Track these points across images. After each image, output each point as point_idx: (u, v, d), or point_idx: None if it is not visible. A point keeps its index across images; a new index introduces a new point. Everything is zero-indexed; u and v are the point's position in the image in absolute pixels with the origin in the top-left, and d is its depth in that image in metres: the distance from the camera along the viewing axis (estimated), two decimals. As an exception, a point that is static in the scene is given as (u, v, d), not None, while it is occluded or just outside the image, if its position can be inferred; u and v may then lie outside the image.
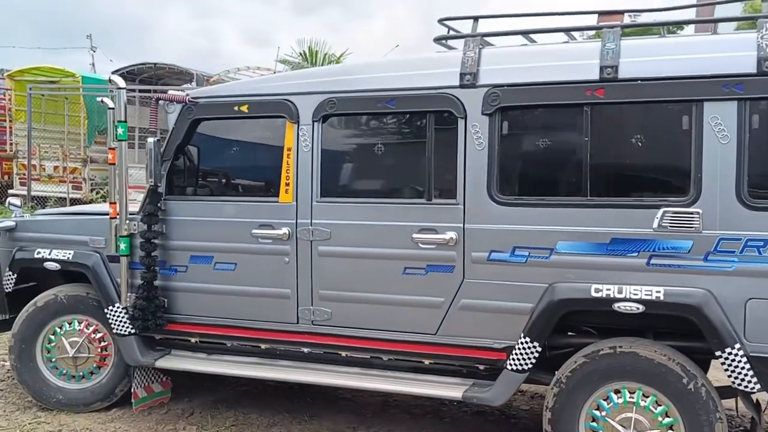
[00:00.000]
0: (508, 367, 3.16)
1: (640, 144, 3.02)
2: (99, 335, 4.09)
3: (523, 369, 3.13)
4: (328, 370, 3.59)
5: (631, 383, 2.96)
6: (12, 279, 4.22)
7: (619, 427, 2.94)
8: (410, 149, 3.48)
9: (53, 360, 4.13)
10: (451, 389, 3.29)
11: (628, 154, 3.08)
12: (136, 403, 3.98)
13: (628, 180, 3.08)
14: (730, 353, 2.80)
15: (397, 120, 3.48)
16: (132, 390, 3.94)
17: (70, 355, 4.08)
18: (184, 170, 3.80)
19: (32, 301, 4.11)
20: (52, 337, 4.13)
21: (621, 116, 3.09)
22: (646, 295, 2.89)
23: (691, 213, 2.86)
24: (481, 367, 3.30)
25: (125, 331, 3.91)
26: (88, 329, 4.09)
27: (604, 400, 3.00)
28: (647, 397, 2.94)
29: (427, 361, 3.40)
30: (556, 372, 3.12)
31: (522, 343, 3.12)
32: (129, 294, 3.86)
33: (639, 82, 2.92)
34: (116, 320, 3.91)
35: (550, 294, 3.04)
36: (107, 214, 3.98)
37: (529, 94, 3.11)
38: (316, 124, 3.49)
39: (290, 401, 4.32)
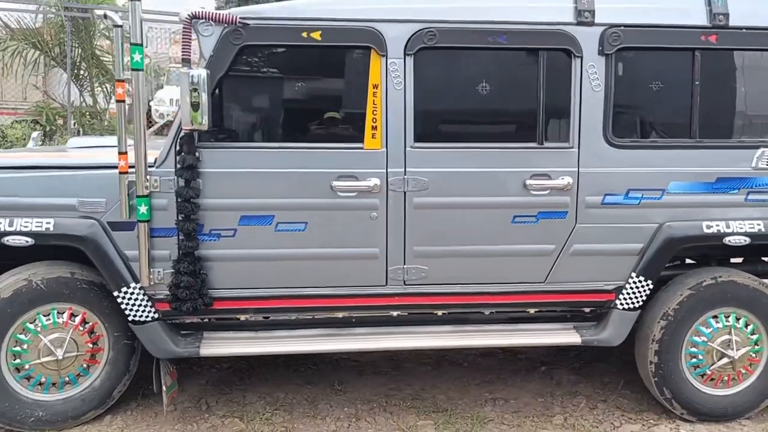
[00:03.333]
0: (619, 306, 3.65)
1: (743, 89, 3.66)
2: (87, 326, 3.52)
3: (634, 307, 3.65)
4: (416, 333, 3.68)
5: (728, 308, 3.68)
6: (-65, 265, 3.36)
7: (720, 349, 3.68)
8: (519, 89, 3.60)
9: (26, 367, 3.44)
10: (566, 335, 3.67)
11: (732, 98, 3.70)
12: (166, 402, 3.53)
13: (732, 123, 3.70)
14: None
15: (506, 56, 3.55)
16: (162, 388, 3.48)
17: (59, 357, 3.43)
18: (227, 111, 3.38)
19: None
20: (22, 336, 3.42)
21: (728, 62, 3.66)
22: (749, 228, 3.60)
23: (783, 152, 3.63)
24: (587, 309, 3.75)
25: (147, 316, 3.43)
26: (74, 320, 3.49)
27: (703, 326, 3.71)
28: (739, 319, 3.72)
29: (532, 310, 3.73)
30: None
31: (634, 281, 3.62)
32: (154, 270, 3.38)
33: (744, 30, 3.54)
34: (133, 305, 3.41)
35: (666, 232, 3.56)
36: (100, 167, 3.41)
37: (647, 35, 3.50)
38: (409, 57, 3.42)
39: (296, 372, 4.26)
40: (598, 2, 3.47)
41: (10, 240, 3.33)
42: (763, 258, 4.00)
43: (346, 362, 4.50)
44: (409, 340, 3.65)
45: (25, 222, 3.35)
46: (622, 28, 3.47)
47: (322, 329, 3.68)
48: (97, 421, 3.63)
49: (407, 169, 3.46)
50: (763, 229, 3.60)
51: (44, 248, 3.47)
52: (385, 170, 3.45)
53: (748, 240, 3.61)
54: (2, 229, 3.33)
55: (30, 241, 3.35)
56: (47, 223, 3.35)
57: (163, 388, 3.49)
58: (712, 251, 3.91)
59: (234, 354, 3.57)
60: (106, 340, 3.57)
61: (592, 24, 3.47)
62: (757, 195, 3.63)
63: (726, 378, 3.72)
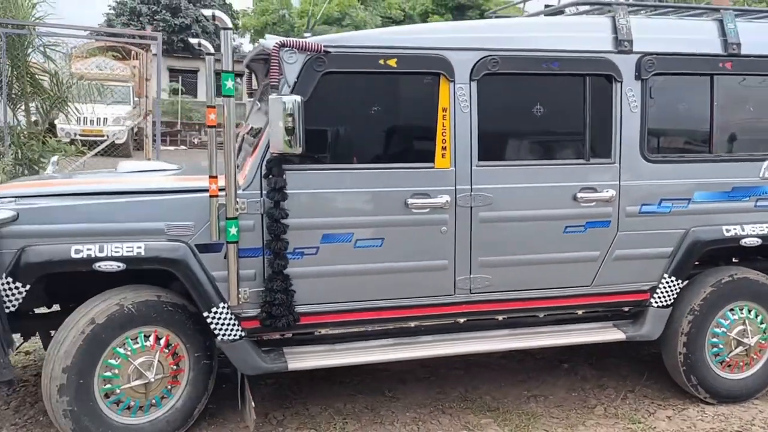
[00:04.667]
0: (654, 304, 4.26)
1: (751, 109, 4.36)
2: (170, 348, 3.74)
3: (667, 304, 4.26)
4: (478, 338, 4.12)
5: (742, 302, 4.37)
6: (19, 293, 3.46)
7: (737, 337, 4.34)
8: (568, 111, 4.15)
9: (117, 392, 3.61)
10: (611, 333, 4.25)
11: (743, 117, 4.41)
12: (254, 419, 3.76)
13: (743, 139, 4.39)
14: None
15: (557, 81, 4.08)
16: (250, 405, 3.73)
17: (151, 380, 3.61)
18: (309, 134, 3.65)
19: (84, 318, 3.52)
20: (113, 361, 3.60)
21: (740, 86, 4.35)
22: (760, 230, 4.29)
23: (784, 164, 4.34)
24: (626, 309, 4.32)
25: (235, 335, 3.69)
26: (159, 343, 3.68)
27: (723, 319, 4.35)
28: (751, 310, 4.40)
29: (580, 312, 4.25)
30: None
31: (666, 281, 4.23)
32: (241, 289, 3.63)
33: (753, 58, 4.22)
34: (223, 324, 3.66)
35: (692, 237, 4.21)
36: (188, 190, 3.64)
37: (675, 62, 4.14)
38: (474, 82, 3.86)
39: (342, 384, 4.60)
40: (635, 33, 4.07)
41: (102, 266, 3.52)
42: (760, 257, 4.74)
43: (382, 372, 4.87)
44: (472, 344, 4.10)
45: (116, 247, 3.54)
46: (655, 55, 4.10)
47: (393, 339, 4.06)
48: (177, 441, 3.85)
49: (473, 186, 3.92)
50: (770, 232, 4.35)
51: (113, 273, 3.66)
52: (454, 187, 3.89)
53: (759, 241, 4.31)
54: (93, 255, 3.52)
55: (121, 266, 3.55)
56: (138, 247, 3.56)
57: (252, 404, 3.75)
58: (720, 253, 4.60)
59: (321, 366, 3.87)
60: (187, 361, 3.80)
61: (630, 52, 4.07)
62: (765, 201, 4.35)
63: (741, 364, 4.42)
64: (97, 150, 10.13)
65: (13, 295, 3.49)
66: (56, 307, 4.29)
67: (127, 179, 4.05)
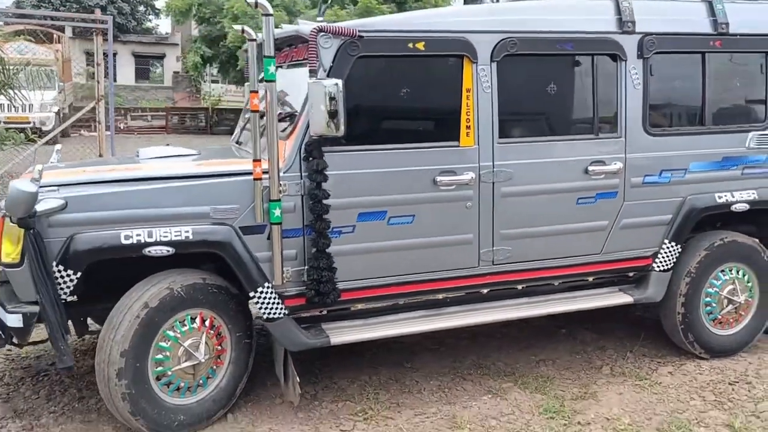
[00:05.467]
0: (656, 268, 4.68)
1: (738, 84, 4.81)
2: (215, 329, 3.91)
3: (667, 268, 4.68)
4: (501, 306, 4.44)
5: (732, 263, 4.84)
6: (71, 281, 3.56)
7: (727, 296, 4.81)
8: (578, 89, 4.50)
9: (168, 373, 3.77)
10: (619, 297, 4.66)
11: (731, 92, 4.86)
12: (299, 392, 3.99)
13: (731, 112, 4.85)
14: None
15: (569, 61, 4.42)
16: (296, 380, 3.94)
17: (201, 360, 3.76)
18: (347, 117, 3.84)
19: (137, 303, 3.67)
20: (164, 344, 3.75)
21: (728, 62, 4.79)
22: (748, 196, 4.75)
23: (767, 134, 4.80)
24: (631, 274, 4.71)
25: (279, 313, 3.89)
26: (205, 324, 3.84)
27: (715, 279, 4.81)
28: (738, 271, 4.87)
29: (591, 278, 4.62)
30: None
31: (666, 246, 4.65)
32: (284, 269, 3.82)
33: (738, 36, 4.64)
34: (268, 303, 3.86)
35: (689, 204, 4.65)
36: (232, 174, 3.79)
37: (672, 41, 4.54)
38: (494, 63, 4.14)
39: (361, 357, 4.85)
40: (637, 14, 4.45)
41: (152, 251, 3.66)
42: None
43: (395, 344, 5.11)
44: (495, 314, 4.43)
45: (164, 232, 3.69)
46: (655, 35, 4.49)
47: (422, 311, 4.35)
48: (223, 421, 4.03)
49: (495, 163, 4.23)
50: (756, 197, 4.81)
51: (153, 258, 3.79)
52: (477, 164, 4.19)
53: (747, 206, 4.79)
54: (143, 241, 3.65)
55: (171, 250, 3.70)
56: (186, 231, 3.72)
57: (297, 379, 3.96)
58: (709, 219, 5.06)
59: (362, 339, 4.12)
60: (230, 341, 3.99)
61: (633, 32, 4.45)
62: (751, 170, 4.83)
63: (731, 320, 4.92)
64: (46, 139, 9.94)
65: (65, 283, 3.61)
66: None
67: (166, 165, 4.18)
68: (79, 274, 3.63)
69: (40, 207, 3.51)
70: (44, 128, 15.09)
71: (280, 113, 4.28)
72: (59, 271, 3.59)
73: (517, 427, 4.04)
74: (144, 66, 39.77)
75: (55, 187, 3.70)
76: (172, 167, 4.08)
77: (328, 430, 3.99)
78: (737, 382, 4.63)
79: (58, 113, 17.74)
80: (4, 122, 14.88)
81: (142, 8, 39.52)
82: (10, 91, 9.18)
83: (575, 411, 4.23)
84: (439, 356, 5.01)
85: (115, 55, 35.34)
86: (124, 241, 3.64)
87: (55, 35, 15.38)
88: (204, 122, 27.56)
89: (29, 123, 15.21)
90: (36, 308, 3.61)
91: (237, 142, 4.97)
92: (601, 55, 4.43)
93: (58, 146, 4.85)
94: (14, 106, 16.44)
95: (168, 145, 5.32)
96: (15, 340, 3.87)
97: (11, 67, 9.26)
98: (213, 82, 31.79)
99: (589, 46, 4.41)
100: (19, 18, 14.36)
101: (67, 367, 3.65)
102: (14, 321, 3.62)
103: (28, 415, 4.16)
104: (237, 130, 5.20)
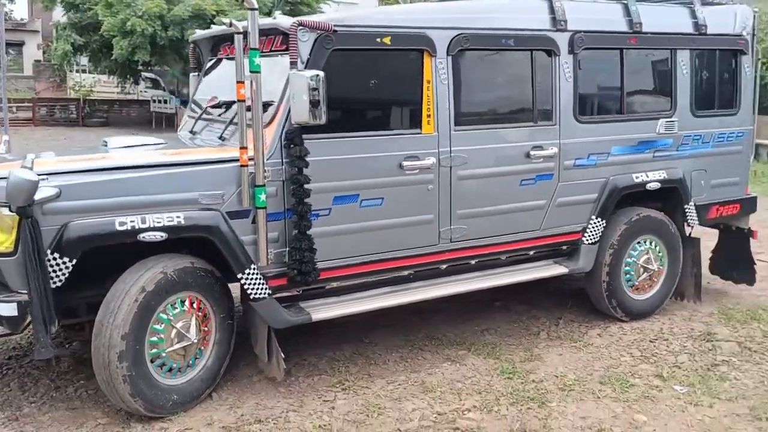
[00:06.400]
0: (585, 242, 5.23)
1: (649, 77, 5.39)
2: (202, 311, 4.06)
3: (594, 241, 5.22)
4: (457, 280, 4.82)
5: (646, 236, 5.46)
6: (66, 268, 3.59)
7: (643, 265, 5.43)
8: (520, 81, 4.92)
9: (162, 355, 3.89)
10: (555, 268, 5.18)
11: (644, 83, 5.47)
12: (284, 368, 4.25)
13: (644, 101, 5.45)
14: (688, 205, 5.59)
15: (511, 56, 4.84)
16: (278, 357, 4.20)
17: (194, 341, 3.89)
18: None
19: (135, 287, 3.77)
20: (158, 326, 3.86)
21: (641, 58, 5.38)
22: (659, 176, 5.37)
23: (673, 121, 5.43)
24: (565, 247, 5.21)
25: (264, 293, 4.07)
26: (193, 307, 3.97)
27: (632, 250, 5.41)
28: (652, 242, 5.49)
29: (532, 252, 5.08)
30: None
31: (593, 222, 5.21)
32: (270, 251, 4.00)
33: (649, 34, 5.23)
34: (255, 284, 4.03)
35: (612, 184, 5.23)
36: (218, 161, 3.94)
37: (597, 39, 5.08)
38: (450, 57, 4.49)
39: (323, 336, 5.10)
40: (568, 14, 4.95)
41: (146, 236, 3.75)
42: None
43: (349, 322, 5.29)
44: (454, 287, 4.84)
45: (157, 218, 3.80)
46: (584, 33, 5.01)
47: (388, 287, 4.66)
48: (209, 400, 4.18)
49: (452, 149, 4.61)
50: (666, 176, 5.47)
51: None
52: (437, 150, 4.56)
53: (659, 185, 5.43)
54: (137, 227, 3.76)
55: (164, 235, 3.80)
56: (177, 217, 3.85)
57: (282, 356, 4.18)
58: (628, 196, 5.66)
59: (342, 314, 4.39)
60: (214, 322, 4.15)
61: (565, 30, 4.96)
62: (660, 153, 5.48)
63: (646, 286, 5.57)
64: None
65: (60, 270, 3.65)
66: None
67: (155, 153, 4.29)
68: (74, 262, 3.68)
69: (36, 195, 3.54)
70: None
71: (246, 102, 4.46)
72: (54, 259, 3.63)
73: (481, 387, 4.46)
74: (-1, 54, 37.29)
75: (46, 176, 3.72)
76: (160, 156, 4.19)
77: (312, 402, 4.24)
78: (656, 340, 5.28)
79: None
80: None
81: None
82: None
83: (527, 371, 4.70)
84: (394, 331, 5.35)
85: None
86: (119, 228, 3.74)
87: None
88: (75, 114, 26.39)
89: None
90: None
91: (191, 132, 5.08)
92: (538, 50, 4.92)
93: (5, 137, 4.77)
94: None
95: (134, 134, 5.32)
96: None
97: None
98: (82, 71, 30.40)
99: (528, 42, 4.88)
100: None
101: (45, 359, 3.69)
102: (8, 310, 3.62)
103: (7, 406, 4.15)
104: (188, 120, 5.29)
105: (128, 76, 25.70)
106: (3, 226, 3.61)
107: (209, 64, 5.45)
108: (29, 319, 3.68)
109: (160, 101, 26.32)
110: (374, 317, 5.50)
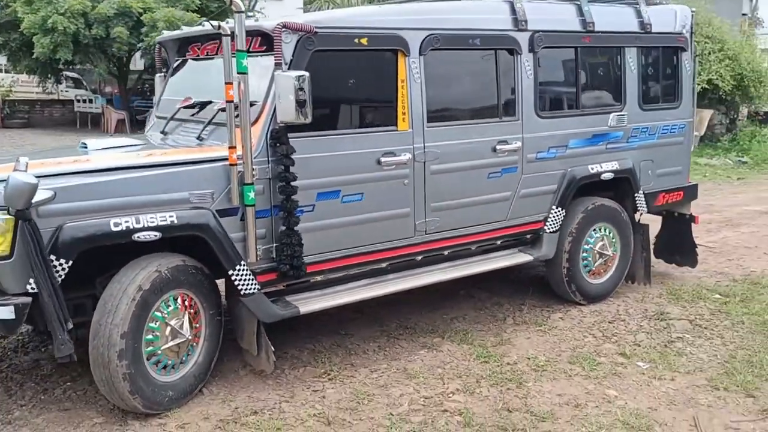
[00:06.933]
0: (547, 231, 5.51)
1: (601, 73, 5.69)
2: (193, 308, 4.14)
3: (555, 230, 5.50)
4: (431, 271, 5.02)
5: (601, 223, 5.78)
6: (63, 270, 3.64)
7: (599, 251, 5.74)
8: (486, 79, 5.13)
9: (158, 352, 3.94)
10: (521, 256, 5.44)
11: (597, 80, 5.76)
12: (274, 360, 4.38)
13: (597, 96, 5.75)
14: (638, 193, 5.94)
15: (477, 55, 5.05)
16: (270, 350, 4.33)
17: (188, 337, 3.95)
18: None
19: (132, 285, 3.81)
20: (152, 324, 3.92)
21: (594, 55, 5.65)
22: (612, 167, 5.68)
23: (623, 115, 5.75)
24: (528, 236, 5.46)
25: (253, 289, 4.16)
26: (185, 304, 4.04)
27: (589, 237, 5.71)
28: (606, 229, 5.80)
29: (499, 242, 5.30)
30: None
31: (554, 211, 5.48)
32: (258, 247, 4.09)
33: (600, 33, 5.52)
34: (244, 280, 4.14)
35: (570, 175, 5.53)
36: (208, 160, 4.01)
37: (554, 38, 5.35)
38: (422, 57, 4.66)
39: (300, 330, 5.25)
40: (528, 14, 5.21)
41: (141, 236, 3.80)
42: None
43: (321, 317, 5.44)
44: (429, 277, 5.05)
45: (150, 218, 3.86)
46: (542, 32, 5.28)
47: (368, 279, 4.82)
48: (200, 396, 4.25)
49: (425, 144, 4.79)
50: (618, 167, 5.80)
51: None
52: (412, 146, 4.74)
53: (612, 175, 5.76)
54: (132, 227, 3.81)
55: (158, 235, 3.85)
56: (170, 216, 3.92)
57: (272, 349, 4.29)
58: (584, 187, 5.96)
59: (328, 307, 4.54)
60: (204, 319, 4.23)
61: (526, 30, 5.22)
62: (612, 145, 5.81)
63: (601, 271, 5.90)
64: None
65: (57, 272, 3.65)
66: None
67: (144, 154, 4.36)
68: (70, 263, 3.70)
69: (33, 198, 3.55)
70: None
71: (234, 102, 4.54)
72: (51, 261, 3.64)
73: (461, 371, 4.67)
74: None
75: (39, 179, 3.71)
76: (149, 157, 4.22)
77: (302, 392, 4.37)
78: (614, 321, 5.62)
79: None
80: None
81: None
82: None
83: (501, 355, 4.95)
84: (367, 322, 5.52)
85: None
86: (113, 228, 3.78)
87: None
88: (-8, 114, 25.37)
89: None
90: (28, 299, 3.63)
91: (162, 132, 5.10)
92: (501, 49, 5.16)
93: None
94: None
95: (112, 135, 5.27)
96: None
97: None
98: (-1, 71, 29.26)
99: (493, 42, 5.11)
100: None
101: (65, 356, 3.70)
102: (6, 313, 3.60)
103: (-4, 411, 4.13)
104: (157, 121, 5.31)
105: (49, 76, 24.90)
106: (-2, 230, 3.62)
107: (175, 64, 5.49)
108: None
109: (84, 101, 25.58)
110: (346, 309, 5.65)
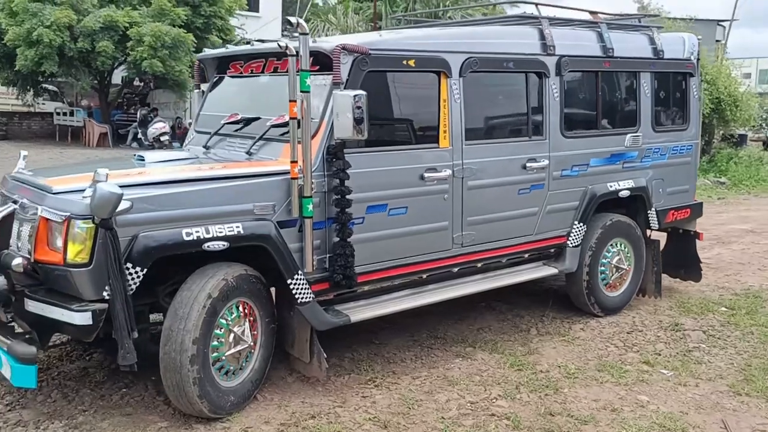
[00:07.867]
0: (570, 245, 5.77)
1: (618, 96, 5.98)
2: (252, 315, 4.30)
3: (577, 244, 5.75)
4: (466, 282, 5.23)
5: (618, 239, 6.04)
6: (138, 277, 3.76)
7: (616, 264, 6.00)
8: (518, 100, 5.39)
9: (222, 358, 4.07)
10: (546, 269, 5.69)
11: (614, 102, 6.04)
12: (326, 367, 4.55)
13: (615, 118, 6.04)
14: (650, 211, 6.24)
15: (510, 77, 5.30)
16: (321, 358, 4.50)
17: (250, 344, 4.13)
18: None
19: (202, 293, 3.96)
20: (219, 331, 4.05)
21: (613, 79, 5.93)
22: (628, 185, 5.96)
23: (638, 135, 6.04)
24: (552, 250, 5.70)
25: (309, 297, 4.33)
26: (246, 311, 4.19)
27: (607, 252, 5.97)
28: (622, 244, 6.06)
29: (527, 255, 5.52)
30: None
31: (576, 227, 5.74)
32: (314, 257, 4.26)
33: (619, 58, 5.82)
34: (301, 289, 4.30)
35: (590, 192, 5.81)
36: (270, 174, 4.19)
37: (579, 62, 5.63)
38: (462, 78, 4.88)
39: (333, 339, 5.37)
40: (556, 40, 5.49)
41: (210, 246, 3.95)
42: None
43: (354, 326, 5.30)
44: (465, 288, 5.27)
45: (219, 228, 4.01)
46: (568, 57, 5.55)
47: (409, 289, 5.03)
48: (256, 401, 4.40)
49: (464, 161, 5.02)
50: (633, 185, 6.11)
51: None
52: (451, 162, 4.98)
53: (629, 192, 6.05)
54: (202, 237, 3.96)
55: (226, 244, 3.99)
56: (237, 227, 4.08)
57: (324, 356, 4.44)
58: (602, 204, 6.22)
59: (378, 315, 4.74)
60: (260, 326, 4.39)
61: (554, 54, 5.49)
62: (628, 164, 6.11)
63: (617, 284, 6.17)
64: None
65: (132, 279, 3.80)
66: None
67: (212, 166, 4.53)
68: (145, 271, 3.84)
69: (113, 208, 3.69)
70: None
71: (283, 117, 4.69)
72: (126, 269, 3.78)
73: (498, 378, 4.89)
74: None
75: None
76: (214, 170, 4.38)
77: (352, 398, 4.54)
78: (632, 332, 5.88)
79: None
80: None
81: None
82: None
83: (532, 363, 5.17)
84: (397, 332, 5.70)
85: None
86: (185, 238, 3.94)
87: None
88: (-29, 127, 25.02)
89: None
90: (104, 306, 3.76)
91: (205, 147, 5.25)
92: (531, 72, 5.44)
93: (24, 152, 4.78)
94: None
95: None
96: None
97: None
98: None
99: (524, 65, 5.39)
100: None
101: (129, 365, 3.82)
102: (83, 319, 3.73)
103: (59, 416, 4.22)
104: (196, 135, 5.46)
105: (29, 88, 24.72)
106: (76, 238, 3.74)
107: (214, 80, 5.65)
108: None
109: (64, 113, 25.39)
110: (377, 319, 5.83)
